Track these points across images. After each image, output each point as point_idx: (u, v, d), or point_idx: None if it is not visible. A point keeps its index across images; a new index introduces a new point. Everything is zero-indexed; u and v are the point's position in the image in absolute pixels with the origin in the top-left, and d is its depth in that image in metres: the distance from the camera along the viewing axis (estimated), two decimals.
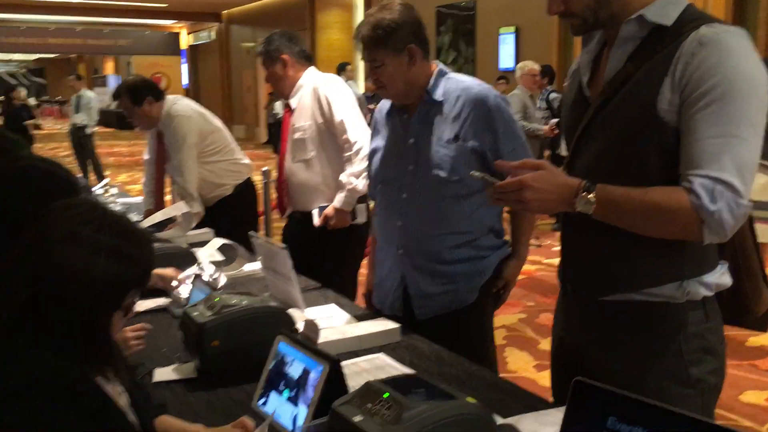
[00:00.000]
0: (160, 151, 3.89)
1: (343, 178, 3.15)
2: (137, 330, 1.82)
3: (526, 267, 6.02)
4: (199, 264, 2.57)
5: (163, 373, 1.81)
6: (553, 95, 7.20)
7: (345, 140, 3.14)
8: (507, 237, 2.31)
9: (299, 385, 1.50)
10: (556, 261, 1.69)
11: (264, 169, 4.84)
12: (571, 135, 1.59)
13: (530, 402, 1.59)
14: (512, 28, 10.90)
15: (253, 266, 2.73)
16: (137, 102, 3.72)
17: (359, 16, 14.79)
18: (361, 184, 3.09)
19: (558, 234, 1.72)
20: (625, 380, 1.34)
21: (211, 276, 2.37)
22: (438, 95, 2.15)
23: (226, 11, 21.55)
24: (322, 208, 3.22)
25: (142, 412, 1.26)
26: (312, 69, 3.36)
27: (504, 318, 4.74)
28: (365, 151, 2.73)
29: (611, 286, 1.51)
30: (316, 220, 3.21)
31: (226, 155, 3.91)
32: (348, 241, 3.24)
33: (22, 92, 12.08)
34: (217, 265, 2.84)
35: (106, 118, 23.67)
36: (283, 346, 1.61)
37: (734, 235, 1.41)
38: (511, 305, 4.98)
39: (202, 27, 23.70)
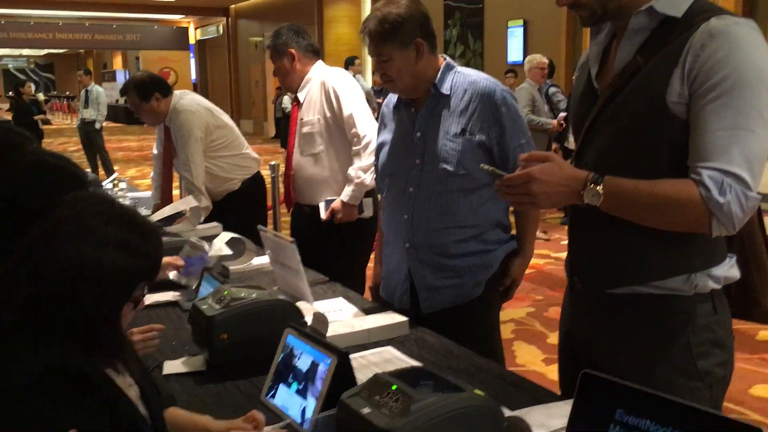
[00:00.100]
0: (168, 146, 3.91)
1: (351, 172, 3.16)
2: (146, 331, 1.80)
3: (534, 261, 6.02)
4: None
5: (173, 366, 1.82)
6: (552, 89, 7.17)
7: (354, 134, 3.15)
8: (514, 231, 2.31)
9: (308, 377, 1.51)
10: (565, 255, 1.69)
11: (272, 163, 4.85)
12: (579, 127, 1.59)
13: (538, 394, 1.59)
14: (520, 22, 10.85)
15: (262, 260, 2.74)
16: (145, 98, 3.73)
17: (367, 9, 14.76)
18: (369, 178, 3.09)
19: (566, 228, 1.72)
20: (633, 373, 1.34)
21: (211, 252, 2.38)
22: (445, 89, 2.15)
23: (233, 6, 21.55)
24: (328, 202, 3.22)
25: (151, 404, 1.27)
26: (320, 63, 3.36)
27: (512, 312, 4.74)
28: (373, 146, 2.73)
29: (619, 278, 1.51)
30: (323, 214, 3.21)
31: (234, 150, 3.91)
32: (355, 235, 3.25)
33: (32, 87, 12.12)
34: (226, 259, 2.85)
35: (115, 113, 23.76)
36: (291, 339, 1.62)
37: (743, 227, 1.40)
38: (520, 299, 4.98)
39: (210, 22, 23.72)
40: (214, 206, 3.81)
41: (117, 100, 23.41)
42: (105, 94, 11.33)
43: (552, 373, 3.59)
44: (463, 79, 2.16)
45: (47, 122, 17.14)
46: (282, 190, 3.77)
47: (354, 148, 3.17)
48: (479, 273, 2.18)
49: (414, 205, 2.18)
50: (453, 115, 2.13)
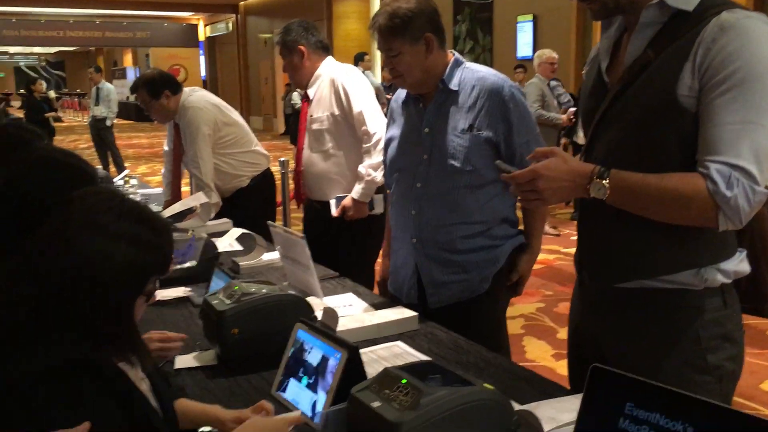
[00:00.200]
0: (178, 143, 3.92)
1: (361, 169, 3.16)
2: (165, 339, 1.79)
3: (544, 256, 5.99)
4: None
5: (184, 361, 1.83)
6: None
7: (364, 132, 3.15)
8: (521, 227, 2.31)
9: (318, 372, 1.52)
10: (574, 250, 1.69)
11: (282, 159, 4.86)
12: (589, 121, 1.59)
13: (547, 389, 1.59)
14: (530, 17, 10.81)
15: (272, 255, 2.75)
16: (155, 95, 3.74)
17: (376, 5, 14.74)
18: (379, 175, 3.10)
19: (576, 223, 1.72)
20: (642, 367, 1.34)
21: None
22: (453, 84, 2.15)
23: (243, 2, 21.58)
24: (339, 199, 3.23)
25: (162, 396, 1.29)
26: (330, 59, 3.36)
27: (522, 307, 4.73)
28: (383, 143, 2.73)
29: (627, 273, 1.51)
30: (334, 211, 3.22)
31: (243, 147, 3.92)
32: (366, 232, 3.25)
33: (43, 85, 12.18)
34: (236, 254, 2.87)
35: (126, 110, 23.87)
36: (302, 334, 1.63)
37: (753, 222, 1.40)
38: (530, 294, 4.97)
39: (220, 18, 23.76)
40: (223, 203, 3.82)
41: (127, 98, 23.50)
42: (115, 91, 11.38)
43: (562, 368, 3.59)
44: (471, 75, 2.16)
45: (58, 120, 17.22)
46: (292, 186, 3.78)
47: (364, 145, 3.17)
48: (486, 268, 2.18)
49: (421, 200, 2.18)
50: (461, 111, 2.13)
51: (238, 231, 3.03)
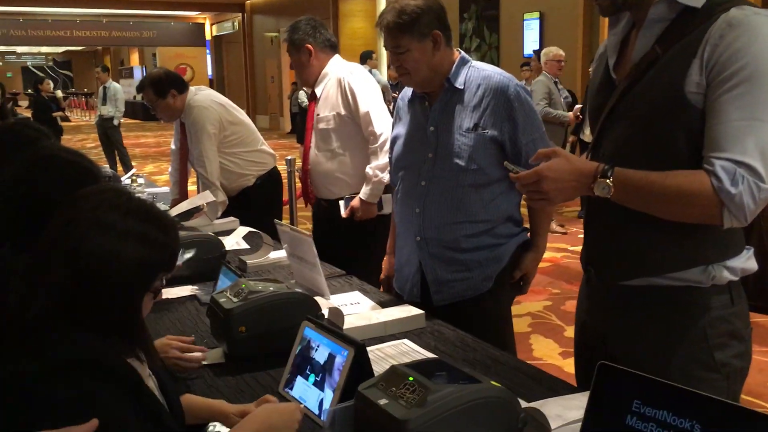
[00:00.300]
0: (184, 142, 3.93)
1: (368, 170, 3.15)
2: (184, 348, 1.77)
3: (551, 254, 5.97)
4: None
5: None
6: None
7: (370, 133, 3.14)
8: (526, 225, 2.31)
9: (325, 369, 1.52)
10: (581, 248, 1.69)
11: (288, 158, 4.87)
12: (596, 118, 1.58)
13: (554, 386, 1.59)
14: (536, 14, 10.79)
15: (279, 254, 2.75)
16: (161, 95, 3.75)
17: (382, 4, 14.73)
18: (387, 176, 3.09)
19: (583, 221, 1.72)
20: (649, 364, 1.34)
21: None
22: (459, 83, 2.15)
23: (249, 1, 21.61)
24: (348, 200, 3.23)
25: (169, 393, 1.29)
26: (337, 58, 3.35)
27: (529, 305, 4.73)
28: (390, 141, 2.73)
29: (634, 270, 1.51)
30: (343, 212, 3.22)
31: (248, 146, 3.92)
32: (374, 231, 3.25)
33: (50, 84, 12.22)
34: (243, 253, 2.88)
35: (133, 110, 23.93)
36: (308, 332, 1.63)
37: (761, 220, 1.39)
38: (537, 292, 4.97)
39: (226, 17, 23.80)
40: (229, 202, 3.83)
41: (134, 97, 23.54)
42: (122, 90, 11.41)
43: (569, 366, 3.59)
44: (477, 73, 2.16)
45: (66, 119, 17.28)
46: (299, 184, 3.78)
47: (371, 146, 3.16)
48: (489, 267, 2.18)
49: (426, 199, 2.18)
50: (466, 109, 2.13)
51: (245, 229, 3.04)
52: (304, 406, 1.51)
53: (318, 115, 3.29)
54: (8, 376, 1.04)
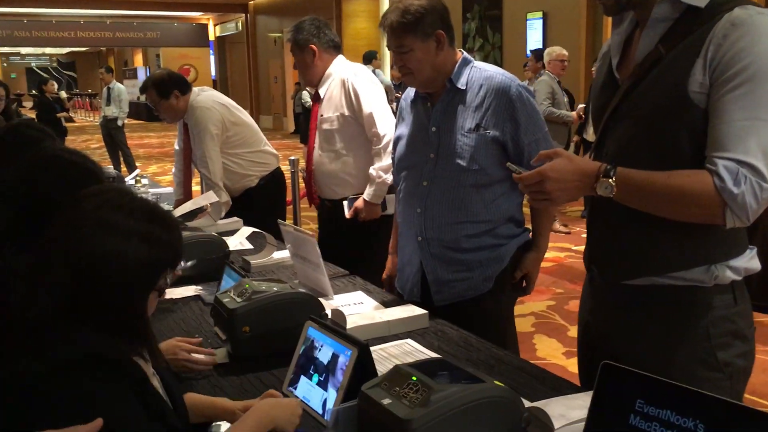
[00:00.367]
0: (188, 143, 3.94)
1: (372, 171, 3.16)
2: (193, 350, 1.78)
3: (555, 254, 5.96)
4: None
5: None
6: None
7: (374, 134, 3.14)
8: (528, 225, 2.31)
9: (328, 369, 1.52)
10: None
11: (291, 158, 4.87)
12: (599, 117, 1.58)
13: (558, 386, 1.59)
14: (539, 14, 10.78)
15: (282, 254, 2.76)
16: (164, 95, 3.76)
17: (385, 4, 14.74)
18: (390, 177, 3.09)
19: (586, 220, 1.72)
20: (652, 364, 1.34)
21: None
22: (461, 83, 2.16)
23: (252, 2, 21.63)
24: (352, 200, 3.23)
25: (173, 393, 1.30)
26: (341, 58, 3.35)
27: (533, 305, 4.73)
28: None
29: (637, 269, 1.51)
30: (347, 213, 3.22)
31: (251, 147, 3.92)
32: (378, 231, 3.26)
33: (54, 85, 12.25)
34: (246, 253, 2.88)
35: (137, 110, 23.99)
36: (312, 332, 1.64)
37: (765, 219, 1.39)
38: (540, 292, 4.97)
39: (229, 18, 23.82)
40: (232, 202, 3.83)
41: (138, 98, 23.60)
42: (126, 91, 11.42)
43: (573, 366, 3.59)
44: (479, 74, 2.16)
45: (70, 120, 17.32)
46: (302, 185, 3.78)
47: (374, 147, 3.16)
48: (490, 267, 2.19)
49: (427, 199, 2.18)
50: (468, 110, 2.14)
51: (248, 230, 3.05)
52: (308, 406, 1.51)
53: (321, 115, 3.30)
54: (8, 376, 1.05)
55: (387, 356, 1.79)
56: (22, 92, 29.33)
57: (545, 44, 10.05)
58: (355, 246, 3.20)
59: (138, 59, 31.36)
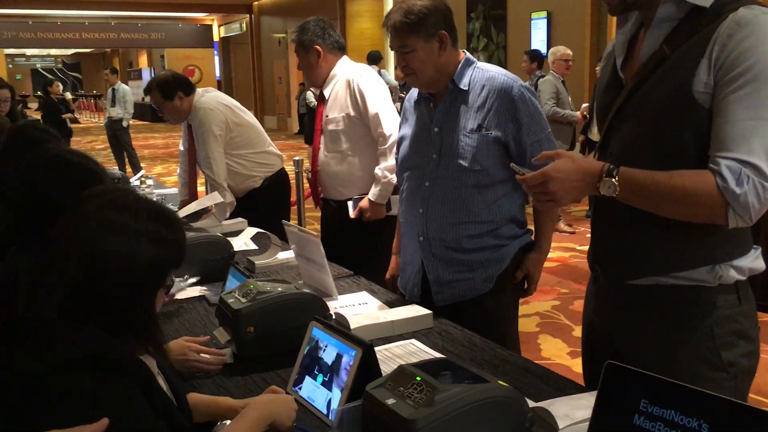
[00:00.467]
0: (192, 143, 3.95)
1: (377, 171, 3.16)
2: (201, 351, 1.79)
3: (560, 254, 5.95)
4: None
5: None
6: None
7: (379, 134, 3.15)
8: (530, 227, 2.31)
9: (333, 369, 1.53)
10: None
11: (296, 158, 4.88)
12: (604, 117, 1.58)
13: (562, 386, 1.59)
14: (544, 13, 10.76)
15: (287, 254, 2.76)
16: (168, 97, 3.77)
17: (389, 4, 14.74)
18: (396, 178, 3.10)
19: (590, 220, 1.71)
20: (657, 364, 1.34)
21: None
22: (463, 84, 2.16)
23: (257, 2, 21.65)
24: (356, 201, 3.23)
25: (177, 391, 1.30)
26: (345, 59, 3.35)
27: (538, 305, 4.72)
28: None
29: (641, 269, 1.50)
30: (352, 213, 3.22)
31: (255, 148, 3.93)
32: (382, 231, 3.26)
33: (60, 87, 12.28)
34: (251, 253, 2.89)
35: (141, 111, 24.01)
36: (316, 332, 1.64)
37: None
38: (545, 292, 4.96)
39: (234, 19, 23.85)
40: (237, 202, 3.84)
41: (143, 98, 23.49)
42: (131, 92, 11.45)
43: (577, 366, 3.58)
44: (481, 74, 2.17)
45: (75, 121, 17.36)
46: (307, 185, 3.78)
47: (380, 147, 3.17)
48: (491, 267, 2.19)
49: (429, 199, 2.19)
50: (470, 110, 2.14)
51: (253, 230, 3.05)
52: (312, 406, 1.52)
53: (327, 116, 3.30)
54: (9, 376, 1.05)
55: (391, 356, 1.79)
56: (27, 93, 29.46)
57: (549, 44, 10.04)
58: (359, 246, 3.20)
59: (143, 60, 31.42)
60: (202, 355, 1.77)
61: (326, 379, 1.54)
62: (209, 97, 3.85)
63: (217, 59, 26.06)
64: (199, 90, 3.89)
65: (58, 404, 1.03)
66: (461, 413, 1.20)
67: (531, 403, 1.38)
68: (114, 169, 6.90)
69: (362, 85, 3.18)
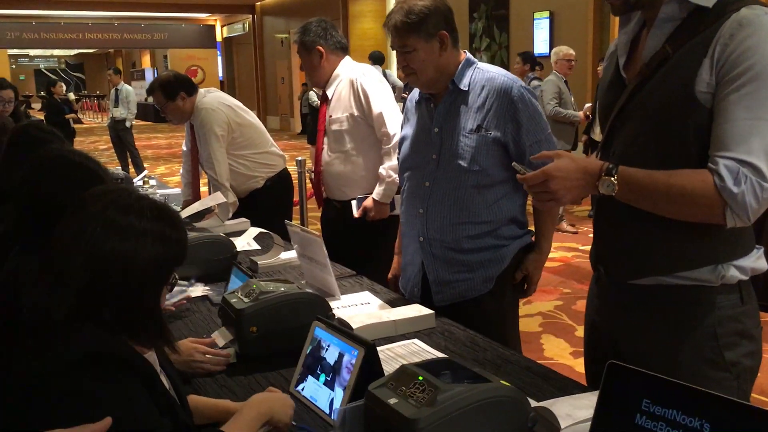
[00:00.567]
0: (195, 144, 3.95)
1: (382, 171, 3.16)
2: (207, 352, 1.79)
3: (562, 254, 5.95)
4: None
5: None
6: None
7: (384, 134, 3.15)
8: (531, 227, 2.31)
9: (335, 369, 1.53)
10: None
11: (299, 158, 4.88)
12: (606, 117, 1.58)
13: (564, 386, 1.59)
14: (546, 13, 10.76)
15: (289, 254, 2.76)
16: (170, 97, 3.77)
17: (391, 4, 14.74)
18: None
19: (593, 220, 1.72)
20: (659, 363, 1.34)
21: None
22: (464, 85, 2.16)
23: (259, 3, 21.67)
24: (360, 200, 3.23)
25: (179, 391, 1.31)
26: (348, 59, 3.35)
27: (540, 305, 4.72)
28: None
29: (644, 269, 1.50)
30: (356, 212, 3.22)
31: (257, 148, 3.93)
32: (385, 231, 3.26)
33: (63, 87, 12.30)
34: (254, 253, 2.89)
35: (144, 112, 24.03)
36: (319, 332, 1.64)
37: None
38: (548, 292, 4.96)
39: (236, 19, 23.88)
40: (239, 203, 3.84)
41: (146, 99, 23.48)
42: (134, 92, 11.46)
43: (580, 366, 3.57)
44: (481, 75, 2.17)
45: (78, 121, 17.40)
46: (310, 185, 3.78)
47: (384, 147, 3.17)
48: (490, 268, 2.19)
49: (429, 199, 2.19)
50: (470, 111, 2.14)
51: (255, 230, 3.06)
52: (315, 405, 1.52)
53: (330, 116, 3.30)
54: (9, 376, 1.06)
55: (394, 356, 1.79)
56: (31, 94, 29.49)
57: (552, 44, 10.04)
58: (362, 246, 3.21)
59: (146, 60, 31.45)
60: (207, 356, 1.78)
61: (329, 379, 1.54)
62: (211, 97, 3.86)
63: (219, 59, 26.08)
64: (201, 90, 3.89)
65: (58, 404, 1.03)
66: (463, 413, 1.20)
67: (533, 403, 1.39)
68: (117, 169, 6.91)
69: (366, 85, 3.18)
